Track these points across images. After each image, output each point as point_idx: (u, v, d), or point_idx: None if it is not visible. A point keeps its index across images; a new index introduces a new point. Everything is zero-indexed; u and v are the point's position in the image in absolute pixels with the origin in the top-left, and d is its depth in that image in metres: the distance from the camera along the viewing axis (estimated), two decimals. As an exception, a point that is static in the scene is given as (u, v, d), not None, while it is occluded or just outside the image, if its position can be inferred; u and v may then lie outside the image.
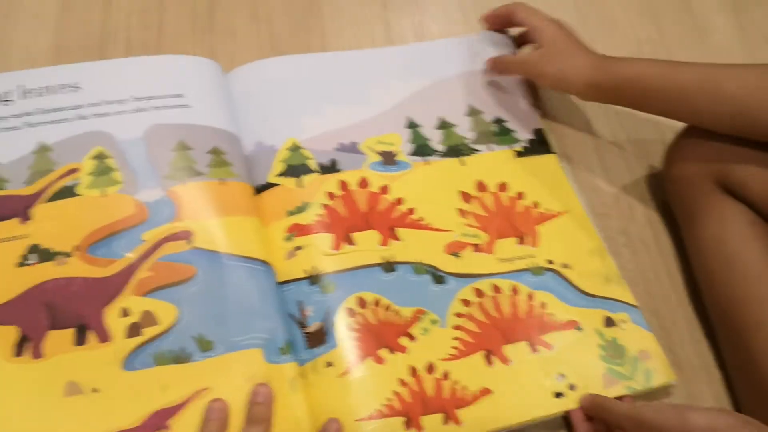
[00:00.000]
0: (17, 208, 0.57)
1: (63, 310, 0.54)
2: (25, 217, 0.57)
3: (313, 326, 0.56)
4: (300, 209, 0.62)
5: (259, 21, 0.78)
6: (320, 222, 0.61)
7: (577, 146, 0.74)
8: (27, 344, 0.53)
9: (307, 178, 0.63)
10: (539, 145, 0.71)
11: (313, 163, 0.64)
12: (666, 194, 0.68)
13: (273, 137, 0.66)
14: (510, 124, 0.71)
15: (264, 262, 0.58)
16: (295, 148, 0.65)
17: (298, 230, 0.61)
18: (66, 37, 0.72)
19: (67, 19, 0.73)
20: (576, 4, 0.84)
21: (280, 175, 0.64)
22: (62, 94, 0.63)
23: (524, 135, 0.71)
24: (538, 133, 0.71)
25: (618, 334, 0.59)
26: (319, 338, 0.55)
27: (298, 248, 0.60)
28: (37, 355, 0.52)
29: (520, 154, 0.69)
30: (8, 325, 0.53)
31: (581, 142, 0.74)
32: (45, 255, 0.56)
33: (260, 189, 0.63)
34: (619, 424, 0.50)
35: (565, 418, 0.56)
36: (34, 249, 0.56)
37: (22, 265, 0.55)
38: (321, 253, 0.60)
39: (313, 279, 0.58)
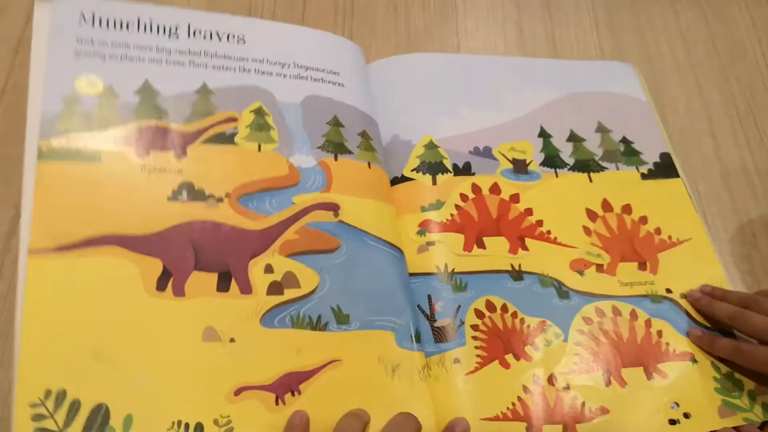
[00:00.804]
0: (175, 142, 0.58)
1: (209, 253, 0.55)
2: (182, 153, 0.58)
3: (442, 321, 0.58)
4: (434, 206, 0.64)
5: (397, 12, 0.79)
6: (453, 222, 0.63)
7: (705, 172, 0.75)
8: (170, 280, 0.53)
9: (441, 177, 0.66)
10: (665, 168, 0.72)
11: (448, 163, 0.67)
12: None
13: (409, 132, 0.68)
14: (637, 145, 0.73)
15: (400, 250, 0.60)
16: (432, 146, 0.67)
17: (431, 226, 0.63)
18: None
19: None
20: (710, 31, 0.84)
21: (415, 170, 0.66)
22: (229, 43, 0.64)
23: (650, 157, 0.72)
24: (665, 156, 0.72)
25: (735, 367, 0.60)
26: (447, 334, 0.58)
27: (431, 243, 0.62)
28: (178, 293, 0.52)
29: (645, 176, 0.71)
30: (154, 257, 0.53)
31: (708, 168, 0.75)
32: (197, 194, 0.56)
33: (395, 181, 0.65)
34: None
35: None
36: (186, 186, 0.56)
37: (173, 199, 0.56)
38: (452, 252, 0.62)
39: (444, 276, 0.60)
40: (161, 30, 0.62)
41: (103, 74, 0.58)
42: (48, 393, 0.46)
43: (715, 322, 0.62)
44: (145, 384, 0.49)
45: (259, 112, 0.62)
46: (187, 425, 0.48)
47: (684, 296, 0.63)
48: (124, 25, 0.61)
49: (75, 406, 0.46)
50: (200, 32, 0.64)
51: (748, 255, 0.70)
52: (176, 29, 0.63)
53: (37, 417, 0.45)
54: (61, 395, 0.47)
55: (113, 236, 0.52)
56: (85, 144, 0.55)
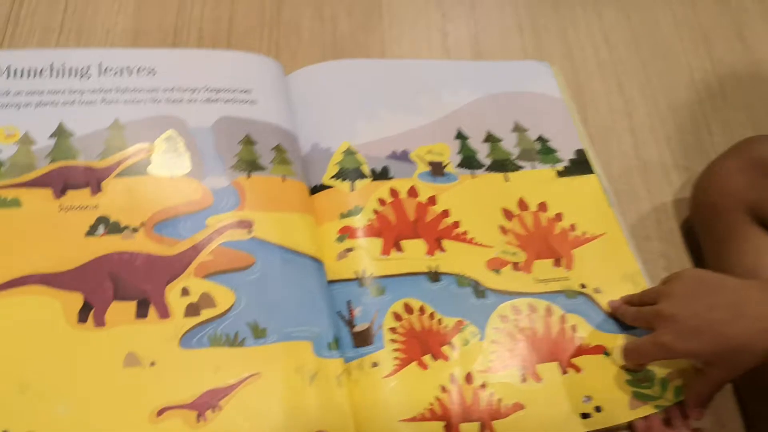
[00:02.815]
0: (90, 180, 0.60)
1: (126, 283, 0.57)
2: (97, 188, 0.60)
3: (360, 326, 0.60)
4: (352, 212, 0.65)
5: (323, 20, 0.80)
6: (371, 227, 0.64)
7: (624, 169, 0.77)
8: (90, 312, 0.55)
9: (359, 183, 0.67)
10: (580, 165, 0.74)
11: (366, 168, 0.68)
12: (693, 221, 0.72)
13: (328, 140, 0.69)
14: (552, 143, 0.74)
15: (317, 260, 0.62)
16: (350, 152, 0.68)
17: (350, 233, 0.64)
18: (143, 23, 0.74)
19: (145, 6, 0.75)
20: (633, 31, 0.86)
21: (334, 177, 0.67)
22: (139, 77, 0.67)
23: (566, 154, 0.74)
24: (580, 153, 0.74)
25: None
26: (366, 338, 0.59)
27: (349, 250, 0.63)
28: (99, 323, 0.55)
29: (561, 173, 0.72)
30: (74, 291, 0.55)
31: (627, 165, 0.78)
32: (113, 227, 0.59)
33: (315, 190, 0.66)
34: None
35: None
36: (102, 220, 0.59)
37: (90, 234, 0.58)
38: (371, 256, 0.63)
39: (363, 281, 0.62)
40: (73, 73, 0.65)
41: (19, 122, 0.61)
42: None
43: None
44: (71, 412, 0.51)
45: (171, 140, 0.64)
46: None
47: (598, 291, 0.64)
48: (38, 73, 0.64)
49: None
50: (111, 69, 0.66)
51: (665, 251, 0.72)
52: (87, 69, 0.65)
53: None
54: None
55: (35, 275, 0.55)
56: (4, 192, 0.58)
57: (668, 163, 0.78)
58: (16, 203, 0.58)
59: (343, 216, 0.64)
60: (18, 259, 0.55)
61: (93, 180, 0.60)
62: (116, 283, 0.56)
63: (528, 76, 0.80)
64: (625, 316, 0.62)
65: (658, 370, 0.61)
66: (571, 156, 0.74)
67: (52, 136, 0.62)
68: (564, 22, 0.88)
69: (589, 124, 0.79)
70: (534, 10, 0.88)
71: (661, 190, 0.76)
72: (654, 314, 0.57)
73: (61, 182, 0.59)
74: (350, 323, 0.59)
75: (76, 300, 0.55)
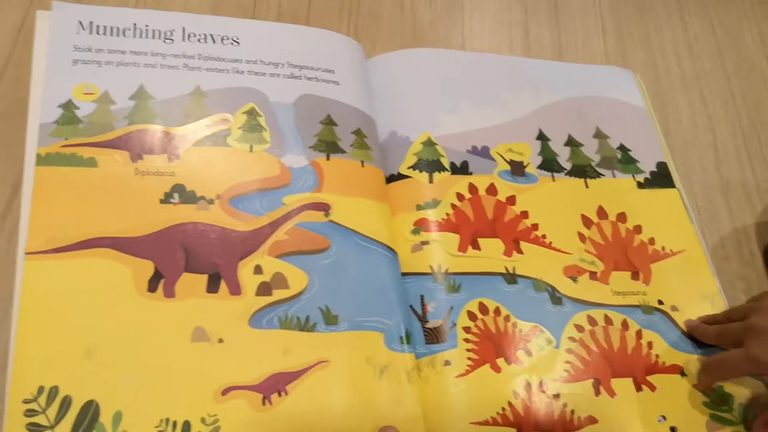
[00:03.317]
0: (167, 146, 0.59)
1: (199, 255, 0.55)
2: (174, 156, 0.58)
3: (433, 322, 0.58)
4: (429, 205, 0.63)
5: (403, 9, 0.78)
6: (448, 221, 0.63)
7: (705, 186, 0.75)
8: (161, 282, 0.53)
9: (438, 176, 0.65)
10: (661, 178, 0.72)
11: (445, 161, 0.66)
12: None
13: (408, 129, 0.67)
14: (634, 153, 0.72)
15: (392, 250, 0.60)
16: (430, 143, 0.67)
17: (426, 225, 0.62)
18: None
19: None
20: (717, 44, 0.84)
21: (412, 167, 0.65)
22: (223, 45, 0.65)
23: (647, 166, 0.72)
24: (661, 165, 0.72)
25: (725, 383, 0.60)
26: (439, 335, 0.57)
27: (425, 243, 0.61)
28: (169, 294, 0.53)
29: (641, 185, 0.70)
30: (145, 259, 0.54)
31: (709, 182, 0.75)
32: (188, 197, 0.57)
33: (391, 179, 0.64)
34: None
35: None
36: (178, 188, 0.57)
37: (164, 202, 0.56)
38: (447, 251, 0.61)
39: (437, 276, 0.60)
40: (156, 35, 0.63)
41: (99, 81, 0.60)
42: (41, 389, 0.47)
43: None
44: (135, 382, 0.49)
45: (251, 113, 0.62)
46: (174, 423, 0.49)
47: (675, 309, 0.62)
48: (121, 32, 0.62)
49: (66, 403, 0.47)
50: (195, 35, 0.64)
51: (745, 274, 0.69)
52: (171, 33, 0.64)
53: (30, 412, 0.47)
54: (54, 392, 0.48)
55: (106, 238, 0.53)
56: (81, 150, 0.56)
57: (750, 184, 0.75)
58: (92, 163, 0.56)
59: (420, 208, 0.63)
60: (91, 221, 0.54)
61: (171, 146, 0.59)
62: (188, 255, 0.55)
63: (611, 82, 0.78)
64: (706, 335, 0.60)
65: (736, 394, 0.58)
66: (652, 168, 0.72)
67: (132, 97, 0.60)
68: (648, 29, 0.85)
69: (671, 135, 0.76)
70: (618, 15, 0.86)
71: (742, 210, 0.74)
72: (745, 329, 0.55)
73: (138, 146, 0.58)
74: (423, 318, 0.57)
75: (147, 268, 0.53)
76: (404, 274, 0.60)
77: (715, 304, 0.65)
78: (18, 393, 0.47)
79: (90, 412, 0.48)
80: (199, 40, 0.65)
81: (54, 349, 0.49)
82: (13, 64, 0.63)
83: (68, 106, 0.58)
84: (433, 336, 0.57)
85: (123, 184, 0.56)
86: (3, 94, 0.62)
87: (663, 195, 0.70)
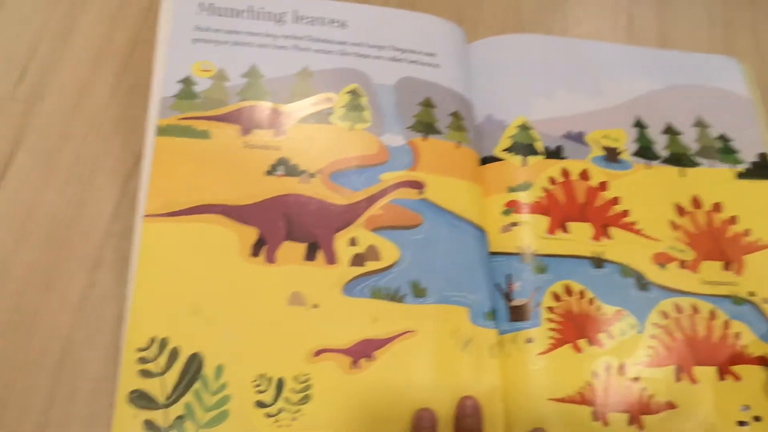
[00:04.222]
0: (275, 122, 0.63)
1: (299, 225, 0.59)
2: (280, 131, 0.62)
3: (518, 301, 0.60)
4: (521, 187, 0.65)
5: (507, -5, 0.79)
6: (539, 204, 0.64)
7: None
8: (263, 248, 0.58)
9: (532, 159, 0.66)
10: (762, 169, 0.71)
11: (539, 145, 0.67)
12: None
13: (504, 112, 0.69)
14: (735, 143, 0.71)
15: (481, 230, 0.62)
16: (525, 127, 0.68)
17: (517, 207, 0.64)
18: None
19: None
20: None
21: (507, 150, 0.67)
22: (330, 28, 0.68)
23: (748, 156, 0.71)
24: (763, 156, 0.71)
25: None
26: (523, 314, 0.59)
27: (514, 224, 0.63)
28: (270, 259, 0.57)
29: (741, 175, 0.70)
30: (250, 226, 0.58)
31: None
32: (291, 170, 0.61)
33: (485, 160, 0.66)
34: None
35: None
36: (283, 162, 0.61)
37: (270, 174, 0.61)
38: (536, 234, 0.63)
39: (524, 257, 0.62)
40: (269, 17, 0.67)
41: (215, 59, 0.64)
42: (152, 340, 0.53)
43: None
44: (236, 338, 0.54)
45: (354, 93, 0.65)
46: (270, 379, 0.54)
47: (767, 301, 0.62)
48: (237, 14, 0.67)
49: (174, 353, 0.53)
50: (305, 18, 0.68)
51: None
52: (283, 16, 0.68)
53: (142, 360, 0.52)
54: (164, 343, 0.53)
55: (217, 205, 0.58)
56: (196, 122, 0.61)
57: None
58: (206, 135, 0.61)
59: (512, 190, 0.65)
60: (203, 188, 0.59)
61: (277, 122, 0.62)
62: (289, 224, 0.59)
63: (715, 70, 0.77)
64: None
65: None
66: (754, 159, 0.71)
67: (244, 75, 0.64)
68: (757, 19, 0.83)
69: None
70: (728, 3, 0.84)
71: None
72: None
73: (249, 120, 0.62)
74: (508, 297, 0.60)
75: (251, 234, 0.58)
76: (493, 254, 0.62)
77: (809, 300, 0.63)
78: (133, 342, 0.52)
79: (195, 363, 0.53)
80: (308, 23, 0.68)
81: (165, 304, 0.54)
82: (141, 44, 0.70)
83: (187, 82, 0.63)
84: (517, 314, 0.59)
85: (233, 155, 0.61)
86: (130, 71, 0.68)
87: (763, 186, 0.69)
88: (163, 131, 0.60)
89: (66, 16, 0.71)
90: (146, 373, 0.52)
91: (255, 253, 0.58)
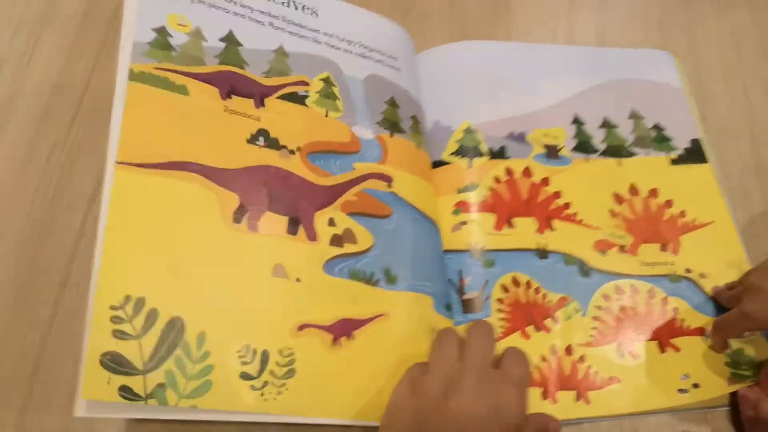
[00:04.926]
0: (254, 92, 0.64)
1: (281, 197, 0.60)
2: (260, 102, 0.63)
3: (470, 294, 0.65)
4: (468, 188, 0.70)
5: (453, 6, 0.84)
6: (485, 202, 0.69)
7: (740, 169, 0.77)
8: (245, 215, 0.58)
9: (477, 161, 0.71)
10: (695, 154, 0.75)
11: (484, 147, 0.72)
12: None
13: (449, 118, 0.74)
14: (668, 132, 0.76)
15: (437, 227, 0.67)
16: (470, 131, 0.73)
17: (465, 207, 0.69)
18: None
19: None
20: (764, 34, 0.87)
21: (453, 154, 0.72)
22: (303, 14, 0.71)
23: (681, 143, 0.76)
24: (695, 142, 0.76)
25: (744, 345, 0.64)
26: (474, 306, 0.64)
27: (464, 223, 0.68)
28: (252, 228, 0.56)
29: (674, 161, 0.75)
30: (231, 191, 0.58)
31: (742, 161, 0.78)
32: (272, 143, 0.62)
33: (435, 164, 0.71)
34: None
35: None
36: (263, 133, 0.62)
37: (251, 142, 0.61)
38: (484, 231, 0.68)
39: (474, 253, 0.67)
40: None
41: (192, 16, 0.63)
42: (127, 298, 0.49)
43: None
44: (219, 305, 0.52)
45: (327, 81, 0.68)
46: (255, 351, 0.53)
47: (703, 276, 0.67)
48: None
49: (153, 315, 0.50)
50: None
51: (776, 253, 0.71)
52: None
53: (116, 319, 0.48)
54: (140, 303, 0.50)
55: (196, 164, 0.56)
56: (174, 75, 0.60)
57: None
58: (184, 90, 0.60)
59: (460, 191, 0.69)
60: (182, 144, 0.56)
61: (257, 93, 0.63)
62: (271, 195, 0.60)
63: (649, 64, 0.82)
64: (722, 298, 0.65)
65: (757, 355, 0.63)
66: (686, 145, 0.76)
67: (222, 39, 0.64)
68: (692, 15, 0.88)
69: (708, 120, 0.79)
70: (664, 4, 0.88)
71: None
72: (744, 288, 0.60)
73: (228, 85, 0.62)
74: (460, 291, 0.64)
75: (233, 200, 0.56)
76: (445, 251, 0.67)
77: (742, 271, 0.68)
78: (104, 299, 0.48)
79: (176, 327, 0.50)
80: (282, 3, 0.70)
81: (141, 261, 0.51)
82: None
83: (162, 32, 0.62)
84: (469, 306, 0.64)
85: (213, 117, 0.60)
86: (87, 99, 0.70)
87: (695, 170, 0.74)
88: (137, 77, 0.57)
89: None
90: (121, 334, 0.48)
91: (237, 219, 0.57)
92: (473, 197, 0.68)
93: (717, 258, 0.69)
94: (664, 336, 0.64)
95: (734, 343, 0.64)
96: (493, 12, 0.84)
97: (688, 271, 0.68)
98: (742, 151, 0.79)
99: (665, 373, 0.62)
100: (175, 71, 0.60)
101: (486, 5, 0.85)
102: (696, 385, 0.62)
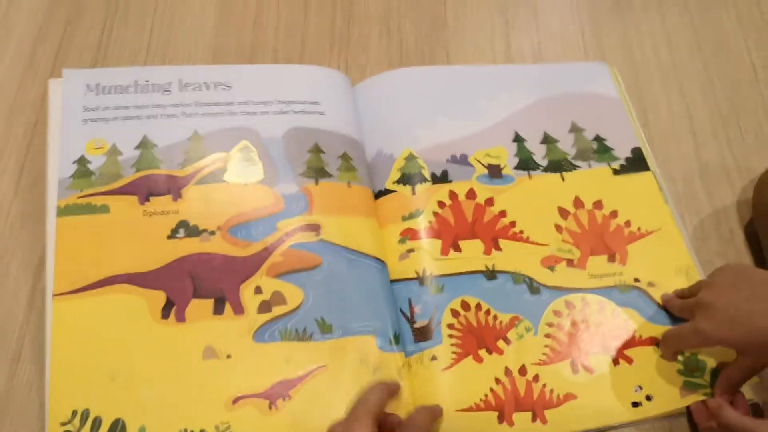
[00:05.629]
0: (171, 187, 0.66)
1: (204, 282, 0.62)
2: (177, 195, 0.66)
3: (420, 322, 0.64)
4: (413, 215, 0.69)
5: (390, 34, 0.85)
6: (431, 228, 0.69)
7: (683, 171, 0.78)
8: (172, 309, 0.61)
9: (420, 187, 0.71)
10: (636, 162, 0.76)
11: (426, 173, 0.72)
12: (754, 222, 0.72)
13: (391, 146, 0.74)
14: (609, 142, 0.77)
15: (380, 260, 0.66)
16: (411, 158, 0.73)
17: (411, 234, 0.68)
18: (222, 44, 0.80)
19: (223, 27, 0.82)
20: (695, 32, 0.88)
21: (397, 182, 0.71)
22: (216, 91, 0.73)
23: (622, 153, 0.77)
24: (636, 151, 0.77)
25: (698, 350, 0.64)
26: (426, 334, 0.64)
27: (411, 251, 0.68)
28: (180, 318, 0.61)
29: (617, 171, 0.75)
30: (157, 290, 0.62)
31: (688, 167, 0.79)
32: (192, 231, 0.65)
33: (379, 194, 0.71)
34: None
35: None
36: (183, 224, 0.65)
37: (171, 237, 0.64)
38: (431, 257, 0.67)
39: (423, 280, 0.66)
40: (155, 89, 0.71)
41: (107, 135, 0.68)
42: (74, 413, 0.55)
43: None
44: (155, 398, 0.57)
45: (244, 150, 0.69)
46: None
47: (652, 285, 0.67)
48: (124, 89, 0.71)
49: (97, 422, 0.55)
50: (190, 85, 0.72)
51: (724, 251, 0.73)
52: (169, 85, 0.72)
53: None
54: (85, 414, 0.55)
55: (122, 275, 0.61)
56: (94, 198, 0.64)
57: (729, 164, 0.79)
58: (105, 209, 0.64)
59: (405, 219, 0.69)
60: (107, 261, 0.62)
61: (174, 187, 0.66)
62: (195, 282, 0.62)
63: (586, 77, 0.82)
64: (673, 308, 0.65)
65: (709, 361, 0.63)
66: (627, 154, 0.76)
67: (137, 147, 0.68)
68: (626, 24, 0.89)
69: (650, 127, 0.80)
70: (596, 14, 0.89)
71: (722, 191, 0.77)
72: (696, 303, 0.60)
73: (145, 190, 0.66)
74: (411, 320, 0.64)
75: (160, 298, 0.61)
76: (393, 281, 0.66)
77: (691, 277, 0.69)
78: (55, 417, 0.55)
79: (118, 428, 0.55)
80: (194, 89, 0.72)
81: (83, 376, 0.56)
82: (39, 131, 0.73)
83: (82, 161, 0.66)
84: (420, 334, 0.63)
85: (133, 225, 0.64)
86: (31, 160, 0.71)
87: (638, 179, 0.75)
88: (63, 211, 0.63)
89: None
90: None
91: (165, 315, 0.61)
92: (418, 224, 0.68)
93: (665, 265, 0.69)
94: (617, 348, 0.64)
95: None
96: (432, 37, 0.85)
97: (636, 280, 0.68)
98: (686, 154, 0.80)
99: (619, 386, 0.62)
100: (95, 194, 0.65)
101: (423, 31, 0.86)
102: (649, 398, 0.62)
